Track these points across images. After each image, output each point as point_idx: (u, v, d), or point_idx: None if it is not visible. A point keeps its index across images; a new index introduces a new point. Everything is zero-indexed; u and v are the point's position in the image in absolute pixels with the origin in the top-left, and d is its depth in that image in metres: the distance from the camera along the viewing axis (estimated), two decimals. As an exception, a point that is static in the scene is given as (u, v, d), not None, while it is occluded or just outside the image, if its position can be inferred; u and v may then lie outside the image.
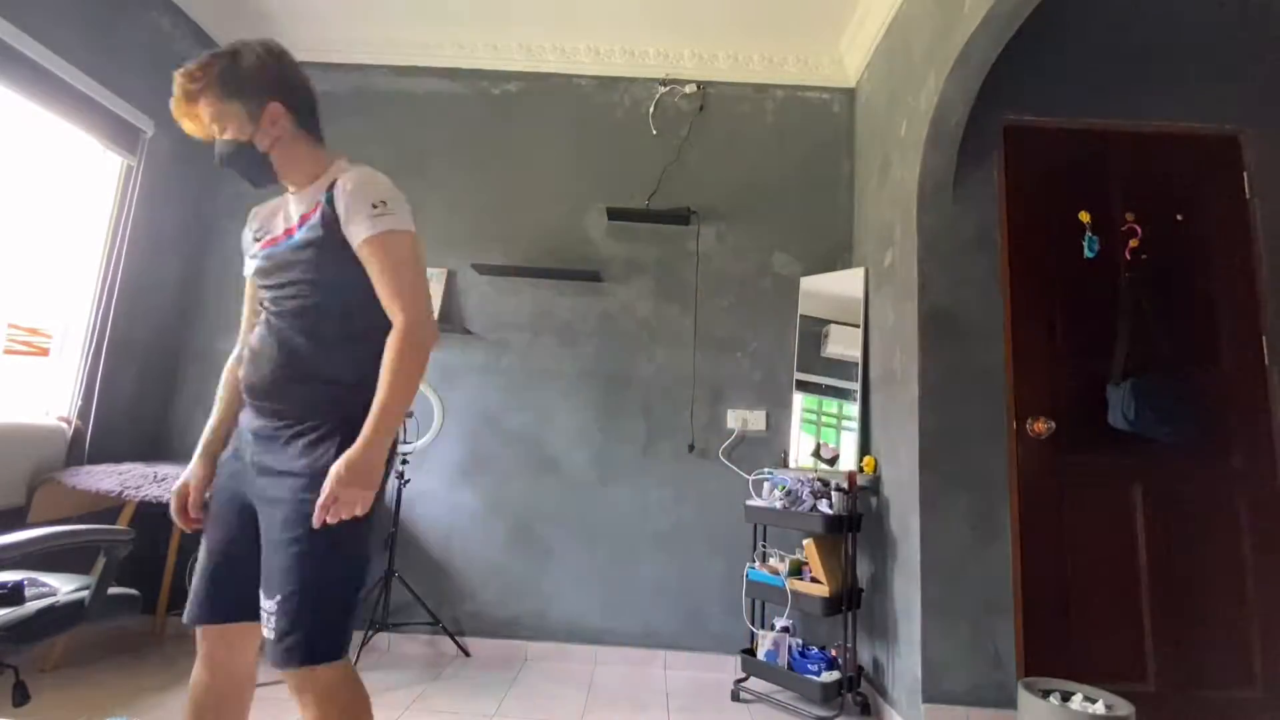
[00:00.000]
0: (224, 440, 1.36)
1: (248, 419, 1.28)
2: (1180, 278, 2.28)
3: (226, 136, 1.22)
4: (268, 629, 1.15)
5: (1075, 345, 2.24)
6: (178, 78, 1.21)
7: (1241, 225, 2.31)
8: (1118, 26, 2.42)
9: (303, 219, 1.26)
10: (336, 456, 1.16)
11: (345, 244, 1.23)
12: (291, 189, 1.31)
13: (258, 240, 1.31)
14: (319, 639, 1.14)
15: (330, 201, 1.24)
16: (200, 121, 1.25)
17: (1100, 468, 2.18)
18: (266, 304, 1.27)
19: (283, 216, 1.31)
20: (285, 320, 1.23)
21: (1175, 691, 2.06)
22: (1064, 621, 2.10)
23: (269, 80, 1.24)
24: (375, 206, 1.21)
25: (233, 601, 1.25)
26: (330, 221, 1.23)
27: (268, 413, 1.25)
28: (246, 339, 1.33)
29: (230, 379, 1.38)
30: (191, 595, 1.26)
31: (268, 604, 1.16)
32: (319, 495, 1.13)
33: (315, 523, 1.11)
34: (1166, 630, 2.09)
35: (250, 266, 1.32)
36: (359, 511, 1.13)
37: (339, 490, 1.11)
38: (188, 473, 1.34)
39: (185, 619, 1.27)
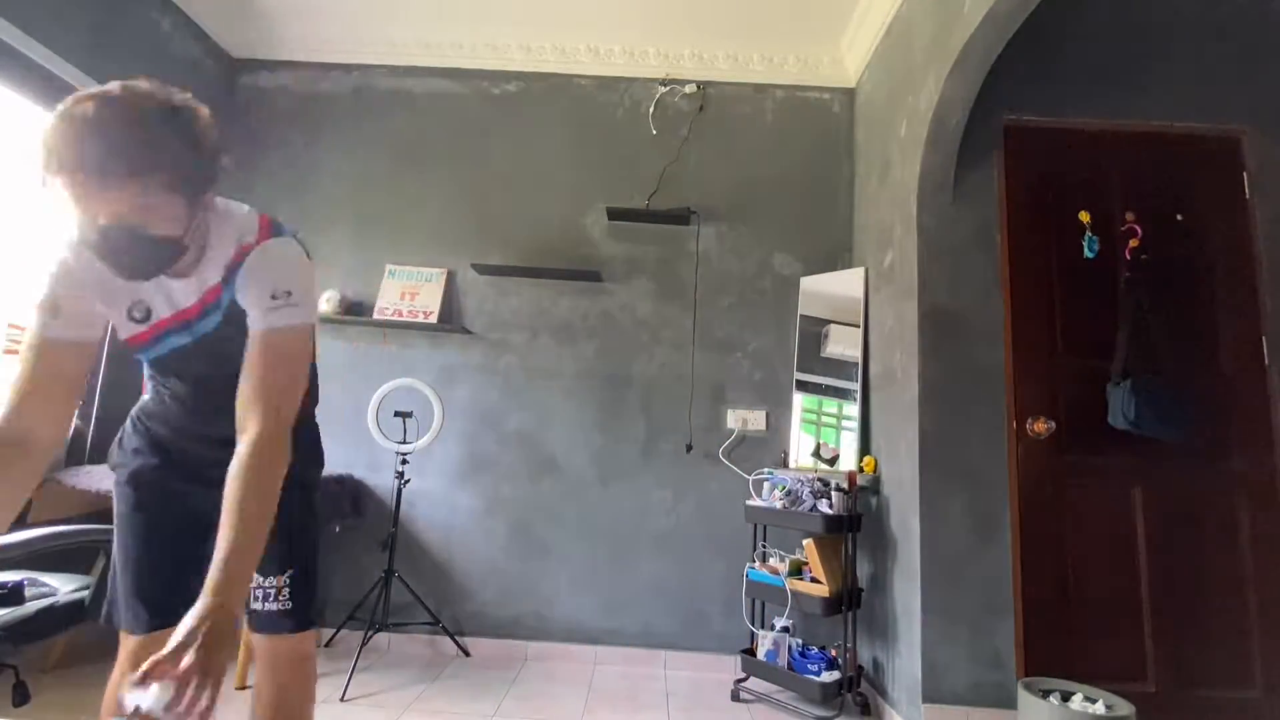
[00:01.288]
0: None
1: (194, 439, 1.25)
2: (1180, 278, 2.28)
3: (145, 228, 0.93)
4: (275, 602, 1.25)
5: (1075, 345, 2.24)
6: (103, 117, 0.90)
7: (1241, 225, 2.31)
8: (1118, 27, 2.42)
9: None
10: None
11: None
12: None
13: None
14: (313, 605, 1.31)
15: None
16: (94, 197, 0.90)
17: (1100, 468, 2.18)
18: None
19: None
20: (216, 395, 1.12)
21: (1175, 691, 2.06)
22: (1064, 621, 2.10)
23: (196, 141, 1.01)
24: (274, 297, 1.06)
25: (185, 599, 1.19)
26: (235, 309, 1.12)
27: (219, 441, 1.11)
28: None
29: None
30: (146, 601, 1.21)
31: (274, 580, 1.25)
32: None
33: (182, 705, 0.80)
34: (1166, 630, 2.09)
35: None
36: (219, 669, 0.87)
37: (209, 660, 0.83)
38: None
39: (145, 626, 1.21)
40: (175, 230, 0.95)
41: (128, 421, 1.28)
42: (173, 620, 1.04)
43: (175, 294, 1.08)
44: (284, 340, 1.05)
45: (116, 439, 1.29)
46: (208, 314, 1.09)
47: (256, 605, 1.25)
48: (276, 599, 1.25)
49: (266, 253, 1.09)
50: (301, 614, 1.27)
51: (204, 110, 1.00)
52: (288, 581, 1.26)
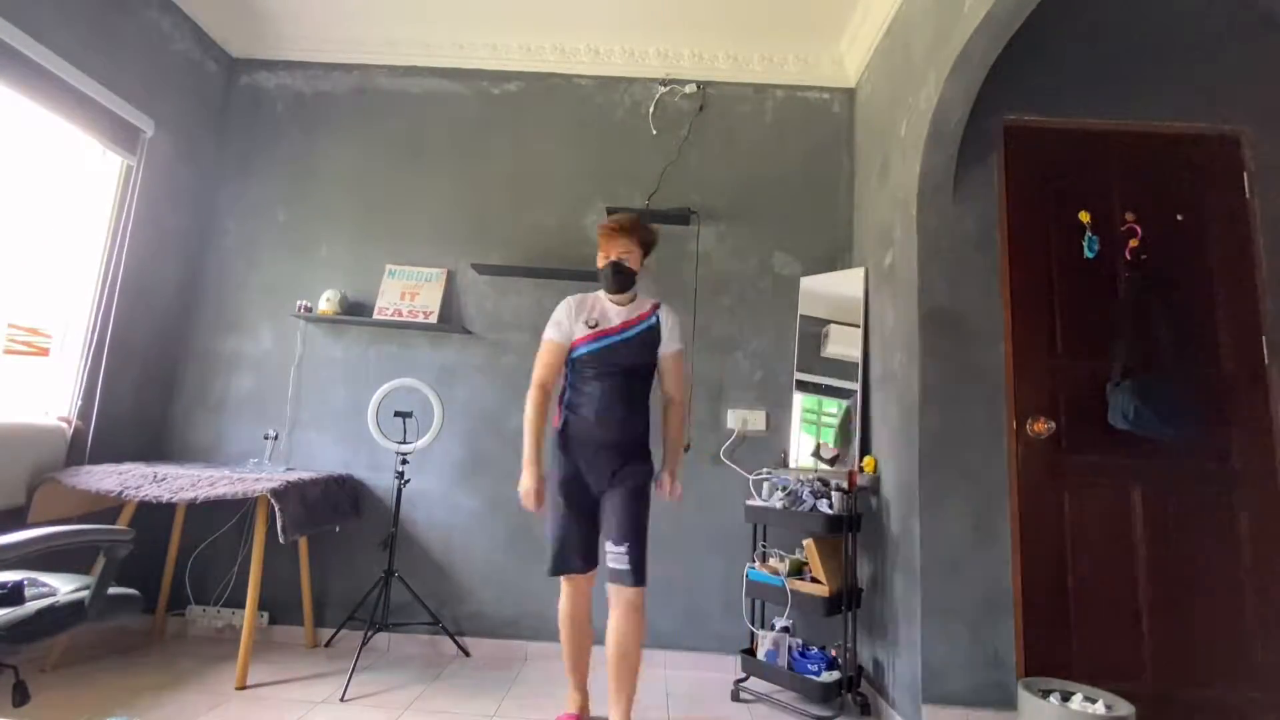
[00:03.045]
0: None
1: (597, 442, 2.04)
2: (1180, 278, 2.27)
3: (626, 263, 2.10)
4: (616, 563, 1.95)
5: (1075, 345, 2.24)
6: (624, 221, 2.14)
7: (1241, 225, 2.30)
8: (1118, 26, 2.42)
9: (629, 323, 2.10)
10: (648, 468, 2.11)
11: (655, 348, 2.12)
12: (613, 300, 2.14)
13: (590, 327, 2.08)
14: (642, 569, 1.98)
15: (658, 320, 2.13)
16: (614, 245, 2.09)
17: (1100, 468, 2.18)
18: (594, 372, 2.06)
19: (609, 315, 2.11)
20: (619, 384, 2.06)
21: (1175, 691, 2.06)
22: (1064, 621, 2.10)
23: (652, 246, 2.20)
24: (681, 340, 2.17)
25: (594, 553, 2.07)
26: (654, 332, 2.12)
27: (613, 442, 2.05)
28: (583, 392, 2.07)
29: (543, 409, 2.06)
30: (566, 554, 2.03)
31: (615, 549, 1.96)
32: (649, 483, 2.10)
33: (669, 494, 2.16)
34: (1166, 630, 2.09)
35: (586, 347, 2.07)
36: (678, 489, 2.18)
37: (675, 484, 2.18)
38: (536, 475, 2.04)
39: (568, 570, 2.03)
40: (635, 268, 2.13)
41: (554, 437, 2.10)
42: (592, 566, 2.06)
43: (612, 317, 2.11)
44: (682, 358, 2.20)
45: (550, 446, 2.11)
46: (636, 326, 2.10)
47: (611, 564, 1.96)
48: (620, 560, 1.95)
49: (674, 311, 2.21)
50: (641, 571, 1.95)
51: (656, 228, 2.25)
52: (627, 548, 1.95)
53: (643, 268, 2.16)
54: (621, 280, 2.09)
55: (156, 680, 2.31)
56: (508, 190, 3.14)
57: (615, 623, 1.97)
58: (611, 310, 2.11)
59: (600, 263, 2.10)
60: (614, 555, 1.95)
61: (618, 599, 1.96)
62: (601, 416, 2.02)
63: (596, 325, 2.07)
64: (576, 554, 2.02)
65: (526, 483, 2.00)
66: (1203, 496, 2.16)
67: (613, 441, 2.04)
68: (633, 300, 2.15)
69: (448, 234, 3.11)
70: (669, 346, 2.12)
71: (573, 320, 2.09)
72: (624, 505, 1.99)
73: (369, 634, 2.54)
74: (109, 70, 2.57)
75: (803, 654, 2.44)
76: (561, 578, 2.06)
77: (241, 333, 3.05)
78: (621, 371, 2.06)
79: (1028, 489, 2.15)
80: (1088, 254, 2.27)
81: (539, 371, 2.06)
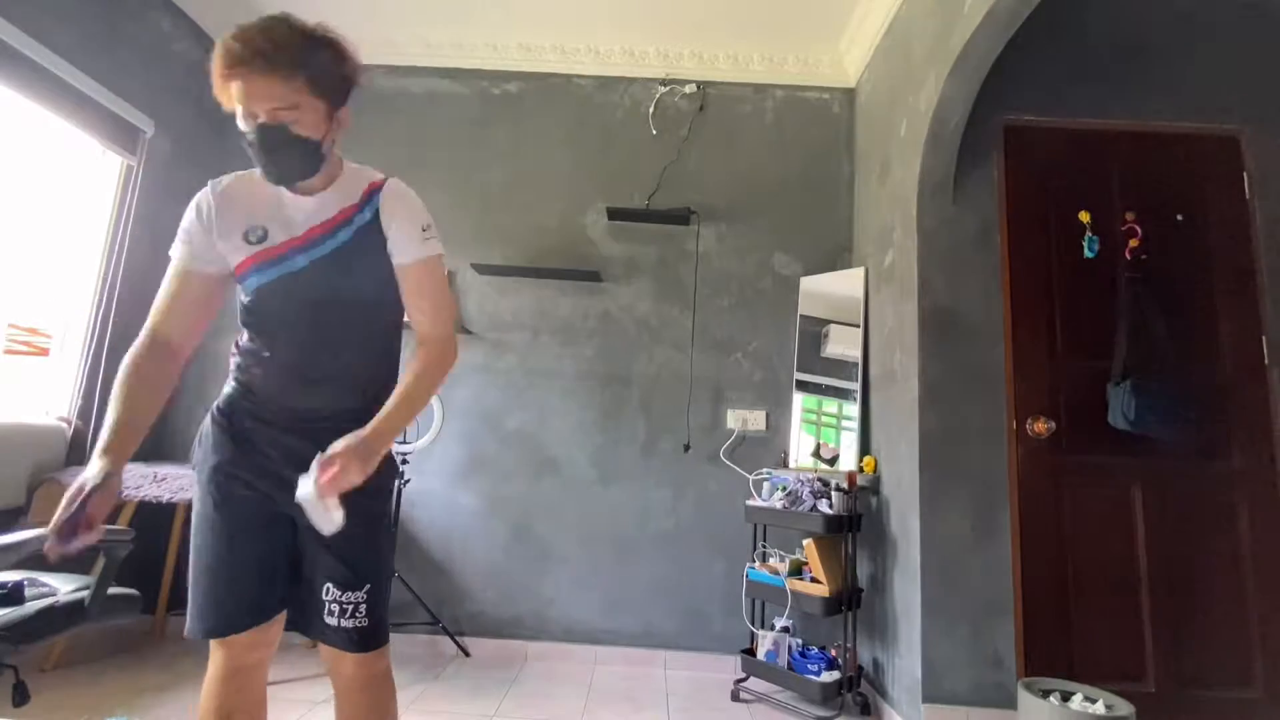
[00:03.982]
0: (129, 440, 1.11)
1: (283, 421, 1.20)
2: (1180, 277, 2.27)
3: (296, 130, 1.10)
4: (347, 619, 1.18)
5: (1075, 345, 2.24)
6: (270, 36, 1.11)
7: (1241, 225, 2.31)
8: (1118, 27, 2.42)
9: (327, 225, 1.18)
10: (385, 466, 1.23)
11: (380, 253, 1.21)
12: (296, 190, 1.19)
13: (254, 242, 1.16)
14: (386, 622, 1.24)
15: (375, 214, 1.21)
16: (253, 90, 1.08)
17: (1100, 468, 2.18)
18: (274, 317, 1.19)
19: (287, 216, 1.19)
20: (325, 336, 1.17)
21: (1175, 691, 2.06)
22: (1064, 621, 2.10)
23: (353, 83, 1.24)
24: (425, 230, 1.23)
25: (273, 602, 1.22)
26: (373, 233, 1.20)
27: (311, 419, 1.20)
28: (260, 345, 1.20)
29: (139, 373, 1.13)
30: (216, 598, 1.17)
31: (347, 595, 1.18)
32: (387, 486, 1.29)
33: (323, 479, 1.00)
34: (1166, 630, 2.09)
35: (258, 278, 1.16)
36: (356, 482, 1.04)
37: (346, 461, 1.03)
38: (95, 476, 1.02)
39: (206, 632, 1.17)
40: (315, 134, 1.14)
41: (207, 417, 1.23)
42: (259, 620, 1.20)
43: (297, 220, 1.18)
44: (439, 266, 1.24)
45: (197, 438, 1.24)
46: (338, 231, 1.18)
47: (333, 619, 1.17)
48: (346, 615, 1.17)
49: (404, 189, 1.26)
50: (382, 630, 1.23)
51: (348, 41, 1.24)
52: (364, 596, 1.18)
53: (333, 124, 1.22)
54: (290, 159, 1.12)
55: (156, 680, 2.31)
56: (508, 190, 3.14)
57: (347, 708, 1.22)
58: (294, 206, 1.19)
59: (241, 124, 1.10)
60: (339, 606, 1.17)
61: (348, 668, 1.20)
62: (289, 384, 1.18)
63: (264, 239, 1.16)
64: (235, 595, 1.17)
65: (82, 475, 1.03)
66: (1203, 496, 2.16)
67: (311, 420, 1.19)
68: (335, 181, 1.23)
69: (448, 234, 3.08)
70: (406, 252, 1.20)
71: (211, 225, 1.17)
72: (352, 528, 1.08)
73: (369, 634, 2.54)
74: (109, 70, 2.57)
75: (803, 654, 2.44)
76: (211, 643, 1.19)
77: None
78: (326, 316, 1.19)
79: (1028, 489, 2.15)
80: (1088, 254, 2.28)
81: (151, 315, 1.18)
